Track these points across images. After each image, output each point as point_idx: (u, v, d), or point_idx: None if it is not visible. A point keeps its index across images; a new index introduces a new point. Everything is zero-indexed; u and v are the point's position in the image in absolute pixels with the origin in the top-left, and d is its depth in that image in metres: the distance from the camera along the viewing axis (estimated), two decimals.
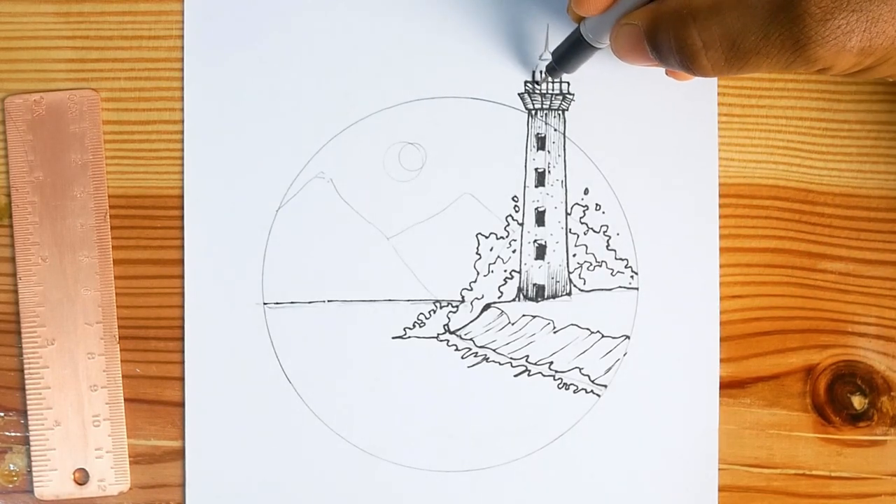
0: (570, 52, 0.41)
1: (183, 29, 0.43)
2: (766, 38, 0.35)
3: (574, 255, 0.44)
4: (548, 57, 0.43)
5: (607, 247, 0.44)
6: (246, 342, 0.43)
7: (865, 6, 0.34)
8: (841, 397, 0.44)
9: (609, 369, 0.44)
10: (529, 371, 0.44)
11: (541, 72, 0.43)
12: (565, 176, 0.44)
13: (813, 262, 0.44)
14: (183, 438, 0.43)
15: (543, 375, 0.44)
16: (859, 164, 0.44)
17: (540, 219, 0.44)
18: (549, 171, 0.44)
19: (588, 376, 0.44)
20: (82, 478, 0.43)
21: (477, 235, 0.44)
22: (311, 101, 0.43)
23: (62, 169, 0.43)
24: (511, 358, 0.44)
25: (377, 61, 0.44)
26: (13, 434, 0.43)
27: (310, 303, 0.43)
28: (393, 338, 0.44)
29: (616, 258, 0.44)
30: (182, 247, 0.43)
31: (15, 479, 0.43)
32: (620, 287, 0.44)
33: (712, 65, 0.37)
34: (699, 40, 0.36)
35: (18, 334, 0.43)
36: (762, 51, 0.35)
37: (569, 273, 0.44)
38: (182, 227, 0.43)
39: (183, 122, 0.43)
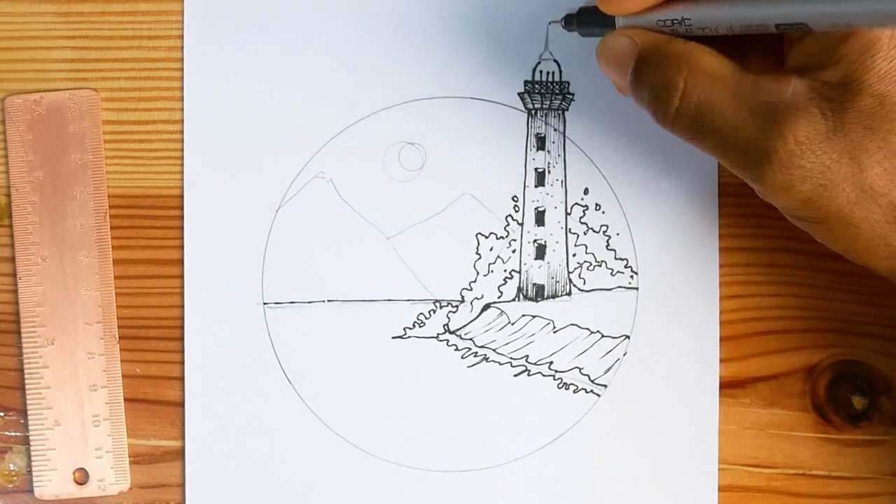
0: (591, 24, 0.40)
1: (183, 29, 0.43)
2: (735, 130, 0.35)
3: (574, 255, 0.44)
4: (548, 56, 0.43)
5: (607, 247, 0.44)
6: (246, 342, 0.43)
7: (833, 168, 0.34)
8: (841, 397, 0.44)
9: (609, 369, 0.44)
10: (529, 371, 0.44)
11: (559, 19, 0.42)
12: (565, 176, 0.44)
13: (813, 262, 0.44)
14: (183, 438, 0.43)
15: (543, 375, 0.44)
16: None
17: (540, 219, 0.44)
18: (548, 171, 0.44)
19: (588, 376, 0.44)
20: (82, 478, 0.43)
21: (477, 235, 0.44)
22: (311, 101, 0.43)
23: (62, 169, 0.43)
24: (511, 358, 0.44)
25: (377, 61, 0.44)
26: (13, 434, 0.43)
27: (310, 303, 0.43)
28: (393, 338, 0.44)
29: (616, 258, 0.44)
30: (182, 247, 0.43)
31: (15, 478, 0.43)
32: (620, 287, 0.44)
33: (675, 119, 0.37)
34: (680, 90, 0.36)
35: (18, 334, 0.43)
36: (725, 138, 0.36)
37: (568, 273, 0.44)
38: (182, 227, 0.43)
39: (183, 122, 0.43)
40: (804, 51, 0.36)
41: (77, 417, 0.43)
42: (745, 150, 0.35)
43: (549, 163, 0.44)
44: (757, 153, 0.35)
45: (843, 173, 0.34)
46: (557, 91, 0.44)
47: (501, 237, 0.44)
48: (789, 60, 0.37)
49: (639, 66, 0.37)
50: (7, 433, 0.43)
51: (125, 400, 0.43)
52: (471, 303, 0.44)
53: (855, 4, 0.32)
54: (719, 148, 0.36)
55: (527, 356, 0.44)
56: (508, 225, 0.44)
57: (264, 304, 0.43)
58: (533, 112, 0.44)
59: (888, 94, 0.34)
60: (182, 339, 0.43)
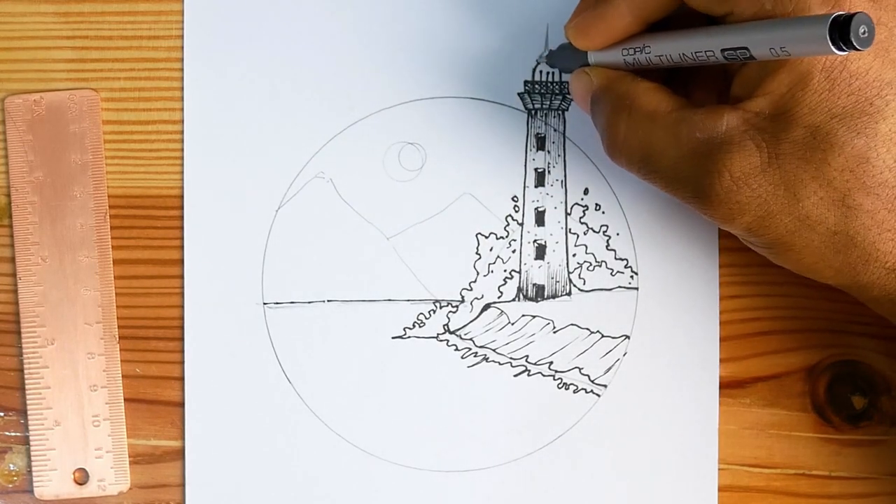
0: (567, 60, 0.42)
1: (183, 29, 0.43)
2: (676, 169, 0.37)
3: (574, 255, 0.44)
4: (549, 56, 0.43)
5: (607, 247, 0.44)
6: (246, 342, 0.43)
7: (770, 200, 0.35)
8: (841, 397, 0.44)
9: (609, 369, 0.44)
10: (529, 371, 0.44)
11: (542, 56, 0.43)
12: (565, 176, 0.44)
13: None
14: (183, 438, 0.43)
15: (543, 375, 0.44)
16: None
17: (540, 219, 0.44)
18: (548, 171, 0.44)
19: (588, 376, 0.44)
20: (82, 478, 0.43)
21: (477, 235, 0.44)
22: (311, 101, 0.44)
23: (62, 169, 0.43)
24: (511, 358, 0.44)
25: (377, 61, 0.44)
26: (13, 434, 0.43)
27: (310, 303, 0.43)
28: (393, 338, 0.44)
29: (616, 258, 0.44)
30: (182, 247, 0.43)
31: (15, 479, 0.43)
32: (620, 287, 0.44)
33: (622, 155, 0.38)
34: (623, 132, 0.38)
35: (18, 334, 0.43)
36: (669, 178, 0.37)
37: (568, 273, 0.44)
38: (182, 227, 0.43)
39: (183, 122, 0.43)
40: (742, 80, 0.36)
41: (77, 417, 0.43)
42: (686, 188, 0.37)
43: (549, 163, 0.44)
44: (697, 190, 0.36)
45: (779, 205, 0.35)
46: (557, 91, 0.44)
47: (501, 237, 0.44)
48: (731, 91, 0.37)
49: (592, 103, 0.40)
50: (7, 433, 0.43)
51: (125, 400, 0.43)
52: (471, 303, 0.44)
53: (788, 31, 0.33)
54: (667, 186, 0.38)
55: (527, 356, 0.44)
56: (508, 225, 0.44)
57: (264, 304, 0.43)
58: (533, 112, 0.44)
59: (820, 126, 0.34)
60: (182, 339, 0.43)
